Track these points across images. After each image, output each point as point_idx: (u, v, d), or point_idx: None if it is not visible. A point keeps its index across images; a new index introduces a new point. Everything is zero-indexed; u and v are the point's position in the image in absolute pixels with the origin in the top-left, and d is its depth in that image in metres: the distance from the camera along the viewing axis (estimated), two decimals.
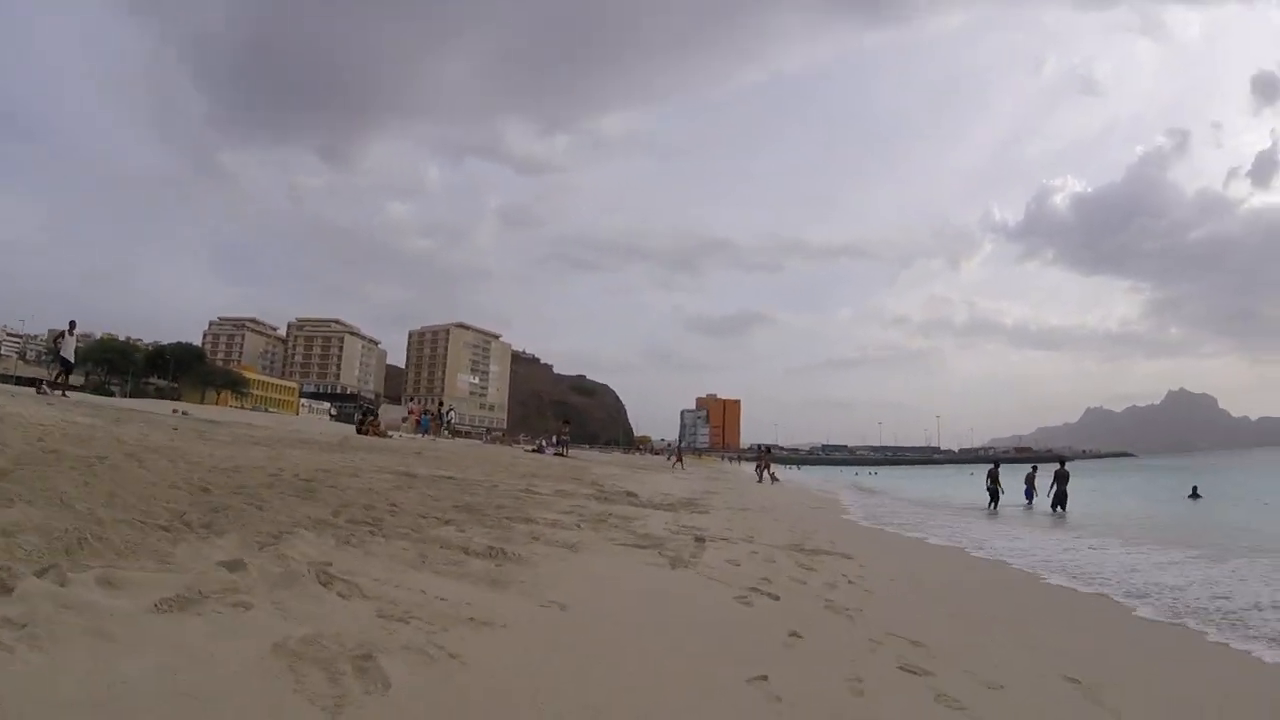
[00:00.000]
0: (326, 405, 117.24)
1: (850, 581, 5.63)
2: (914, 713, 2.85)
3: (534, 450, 31.63)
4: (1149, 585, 6.90)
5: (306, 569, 3.10)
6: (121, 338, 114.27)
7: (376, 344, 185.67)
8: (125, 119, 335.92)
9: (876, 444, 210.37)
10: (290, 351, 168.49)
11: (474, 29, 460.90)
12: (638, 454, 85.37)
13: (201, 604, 2.51)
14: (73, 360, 19.58)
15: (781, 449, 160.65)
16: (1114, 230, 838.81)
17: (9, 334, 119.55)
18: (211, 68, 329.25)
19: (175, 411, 21.25)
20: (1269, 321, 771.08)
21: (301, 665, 2.20)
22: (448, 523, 5.35)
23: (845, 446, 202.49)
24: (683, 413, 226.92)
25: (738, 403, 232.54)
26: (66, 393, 17.89)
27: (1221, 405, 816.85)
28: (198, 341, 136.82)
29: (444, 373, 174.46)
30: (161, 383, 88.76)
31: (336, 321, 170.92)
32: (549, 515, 6.82)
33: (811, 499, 21.08)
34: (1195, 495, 23.29)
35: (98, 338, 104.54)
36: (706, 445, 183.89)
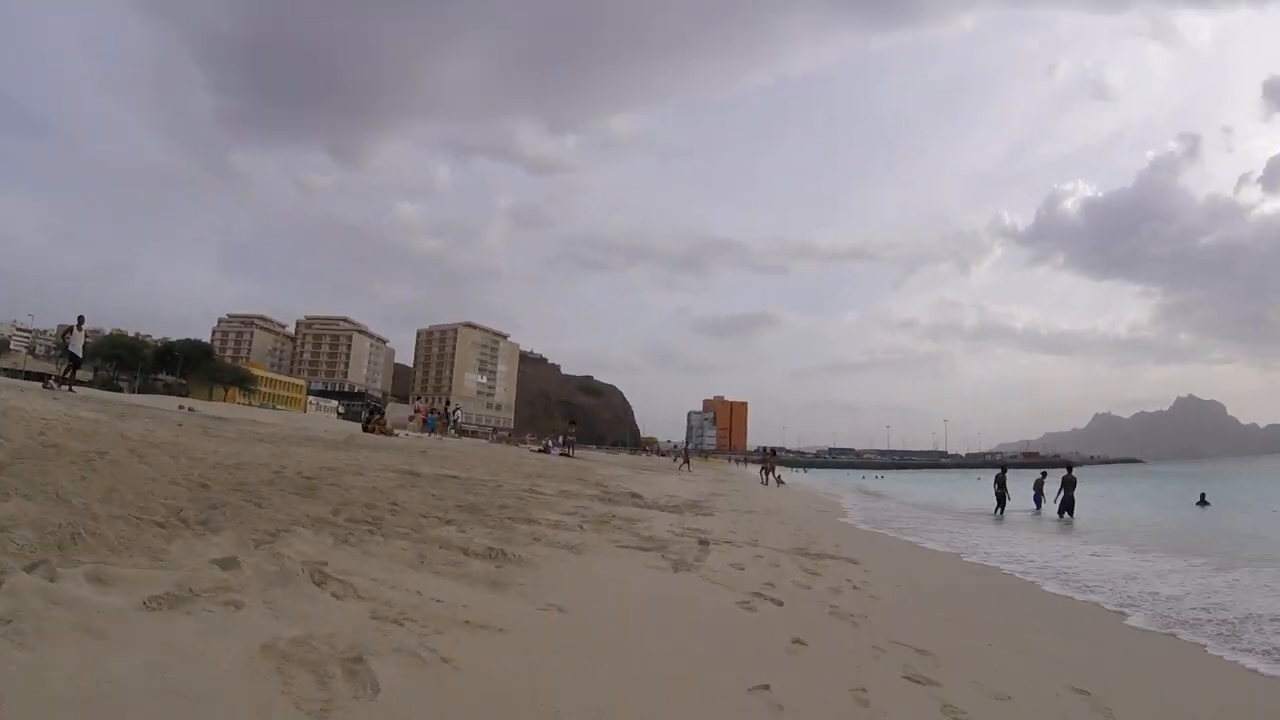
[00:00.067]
0: (334, 403, 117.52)
1: (855, 587, 5.55)
2: None
3: (540, 450, 31.56)
4: (1144, 594, 6.79)
5: (301, 568, 3.06)
6: (131, 333, 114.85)
7: (385, 342, 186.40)
8: (135, 117, 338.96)
9: (884, 447, 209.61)
10: (299, 349, 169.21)
11: (485, 28, 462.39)
12: (644, 455, 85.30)
13: (192, 602, 2.47)
14: (80, 355, 19.61)
15: (788, 451, 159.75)
16: (1124, 235, 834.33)
17: (18, 329, 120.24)
18: (221, 66, 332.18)
19: (181, 408, 21.24)
20: (1279, 328, 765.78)
21: (289, 667, 2.16)
22: (449, 522, 5.30)
23: (852, 449, 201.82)
24: (690, 414, 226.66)
25: (745, 405, 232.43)
26: (73, 388, 17.94)
27: (1230, 412, 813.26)
28: (207, 338, 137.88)
29: (451, 372, 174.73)
30: (170, 379, 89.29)
31: (345, 320, 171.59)
32: (552, 516, 6.77)
33: (818, 502, 20.98)
34: (1203, 502, 23.09)
35: (107, 333, 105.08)
36: (713, 447, 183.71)
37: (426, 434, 31.60)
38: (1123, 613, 5.94)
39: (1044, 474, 20.73)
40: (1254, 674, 4.23)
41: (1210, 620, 5.66)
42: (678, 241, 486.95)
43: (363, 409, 56.60)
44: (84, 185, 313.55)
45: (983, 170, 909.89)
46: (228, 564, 2.90)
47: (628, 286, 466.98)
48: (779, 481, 29.77)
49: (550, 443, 39.82)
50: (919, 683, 3.19)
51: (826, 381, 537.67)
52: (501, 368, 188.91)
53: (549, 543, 5.21)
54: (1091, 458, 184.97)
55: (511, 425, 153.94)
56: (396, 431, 28.34)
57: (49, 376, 21.81)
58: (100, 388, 46.93)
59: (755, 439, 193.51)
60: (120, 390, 56.82)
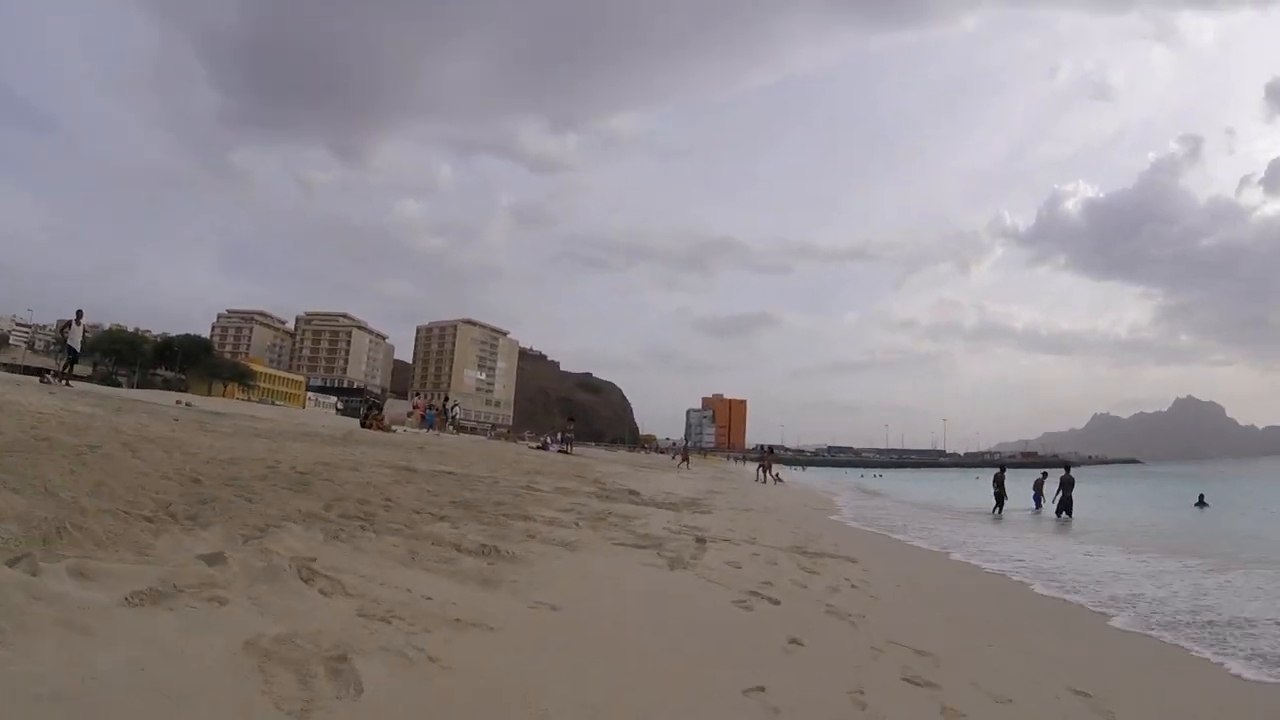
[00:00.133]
0: (333, 399, 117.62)
1: (854, 586, 5.51)
2: None
3: (538, 447, 31.56)
4: (1132, 595, 6.72)
5: (289, 564, 3.00)
6: (130, 329, 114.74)
7: (384, 339, 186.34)
8: (136, 116, 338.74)
9: (883, 446, 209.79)
10: (298, 345, 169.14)
11: (485, 28, 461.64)
12: (643, 453, 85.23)
13: (175, 598, 2.42)
14: (79, 349, 19.56)
15: (787, 450, 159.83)
16: (1126, 236, 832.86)
17: (18, 324, 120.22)
18: (222, 65, 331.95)
19: (179, 403, 21.22)
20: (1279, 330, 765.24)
21: (272, 665, 2.10)
22: (442, 519, 5.24)
23: (851, 448, 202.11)
24: (689, 412, 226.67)
25: (744, 403, 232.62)
26: (70, 382, 17.87)
27: (1229, 414, 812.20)
28: (206, 334, 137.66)
29: (451, 368, 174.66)
30: (169, 374, 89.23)
31: (345, 316, 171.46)
32: (548, 513, 6.72)
33: (816, 500, 20.95)
34: (1202, 503, 23.10)
35: (106, 328, 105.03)
36: (712, 445, 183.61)
37: (425, 430, 31.56)
38: (1106, 613, 5.88)
39: (1044, 474, 20.70)
40: (1236, 678, 4.14)
41: (1196, 623, 5.59)
42: (678, 241, 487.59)
43: (361, 405, 56.48)
44: (84, 185, 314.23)
45: (983, 170, 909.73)
46: (214, 559, 2.85)
47: (628, 286, 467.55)
48: (776, 479, 29.74)
49: (549, 439, 39.88)
50: (918, 684, 3.14)
51: (826, 381, 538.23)
52: (501, 364, 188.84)
53: (544, 540, 5.16)
54: (1090, 458, 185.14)
55: (510, 422, 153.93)
56: (395, 427, 28.30)
57: (46, 371, 21.74)
58: (99, 383, 46.81)
59: (754, 438, 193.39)
60: (119, 385, 56.79)
